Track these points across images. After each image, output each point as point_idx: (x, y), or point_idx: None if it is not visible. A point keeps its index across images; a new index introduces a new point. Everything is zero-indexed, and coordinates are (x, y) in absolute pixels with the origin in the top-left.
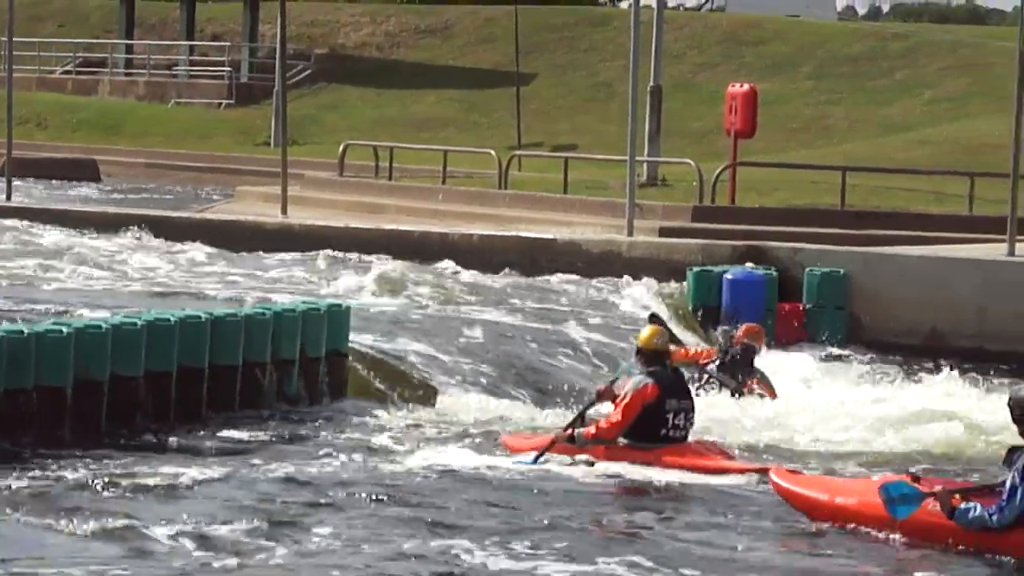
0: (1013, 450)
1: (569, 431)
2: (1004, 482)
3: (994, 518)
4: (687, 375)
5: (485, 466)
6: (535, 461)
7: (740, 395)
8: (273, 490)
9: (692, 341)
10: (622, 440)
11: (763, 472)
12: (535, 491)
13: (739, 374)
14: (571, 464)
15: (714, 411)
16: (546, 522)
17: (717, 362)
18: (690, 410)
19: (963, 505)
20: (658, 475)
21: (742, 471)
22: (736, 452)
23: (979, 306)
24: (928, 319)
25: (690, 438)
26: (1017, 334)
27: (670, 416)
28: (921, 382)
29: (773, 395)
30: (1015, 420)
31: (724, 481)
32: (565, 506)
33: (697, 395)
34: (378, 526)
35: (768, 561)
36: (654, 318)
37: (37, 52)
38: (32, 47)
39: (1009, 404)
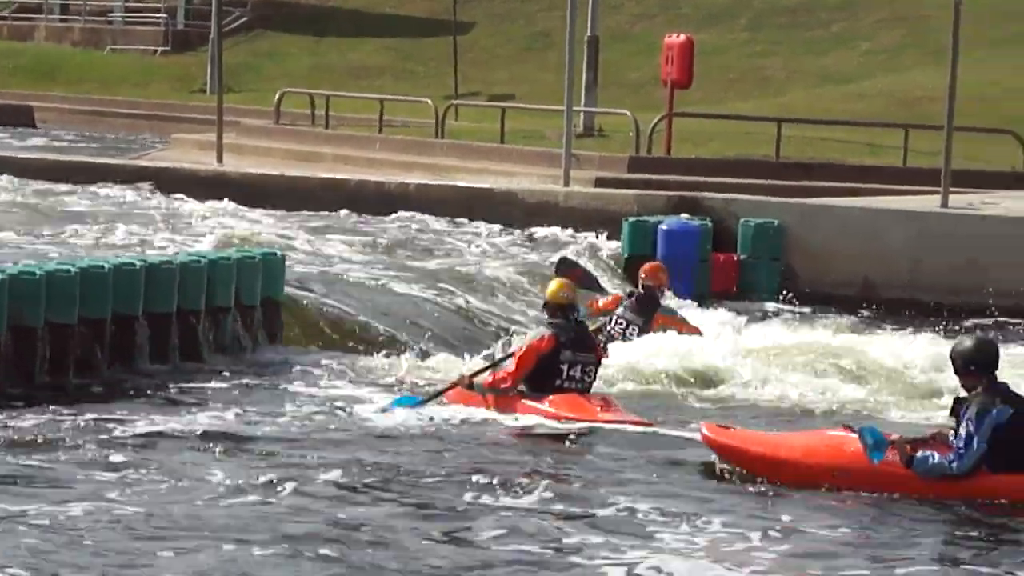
0: (958, 401)
1: (470, 379)
2: (955, 431)
3: (954, 465)
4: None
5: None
6: (421, 402)
7: (646, 333)
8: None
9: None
10: (521, 388)
11: (644, 425)
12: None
13: (644, 313)
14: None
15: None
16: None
17: (623, 306)
18: (590, 363)
19: (920, 453)
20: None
21: (624, 423)
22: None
23: (912, 257)
24: (862, 270)
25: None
26: (949, 285)
27: (564, 367)
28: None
29: (683, 328)
30: (957, 372)
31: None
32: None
33: (614, 340)
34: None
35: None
36: (564, 263)
37: None
38: None
39: (951, 356)
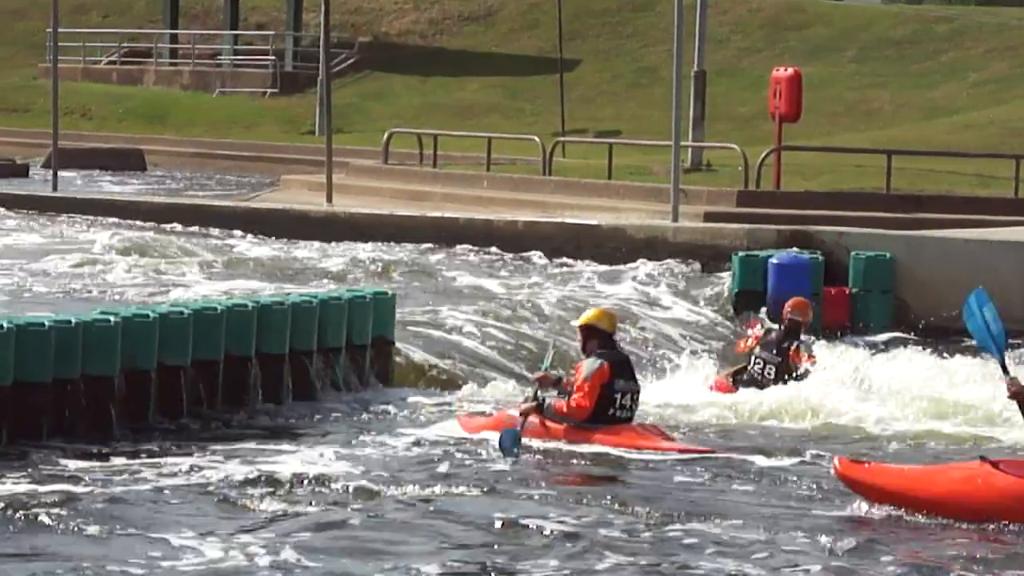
0: None
1: (535, 404)
2: None
3: None
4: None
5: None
6: (516, 441)
7: (785, 372)
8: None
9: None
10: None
11: (706, 454)
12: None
13: (783, 347)
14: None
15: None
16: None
17: (760, 345)
18: (636, 391)
19: None
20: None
21: (684, 451)
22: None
23: None
24: None
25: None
26: None
27: (618, 396)
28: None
29: (812, 360)
30: None
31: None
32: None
33: (754, 382)
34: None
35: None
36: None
37: (82, 43)
38: (77, 38)
39: None
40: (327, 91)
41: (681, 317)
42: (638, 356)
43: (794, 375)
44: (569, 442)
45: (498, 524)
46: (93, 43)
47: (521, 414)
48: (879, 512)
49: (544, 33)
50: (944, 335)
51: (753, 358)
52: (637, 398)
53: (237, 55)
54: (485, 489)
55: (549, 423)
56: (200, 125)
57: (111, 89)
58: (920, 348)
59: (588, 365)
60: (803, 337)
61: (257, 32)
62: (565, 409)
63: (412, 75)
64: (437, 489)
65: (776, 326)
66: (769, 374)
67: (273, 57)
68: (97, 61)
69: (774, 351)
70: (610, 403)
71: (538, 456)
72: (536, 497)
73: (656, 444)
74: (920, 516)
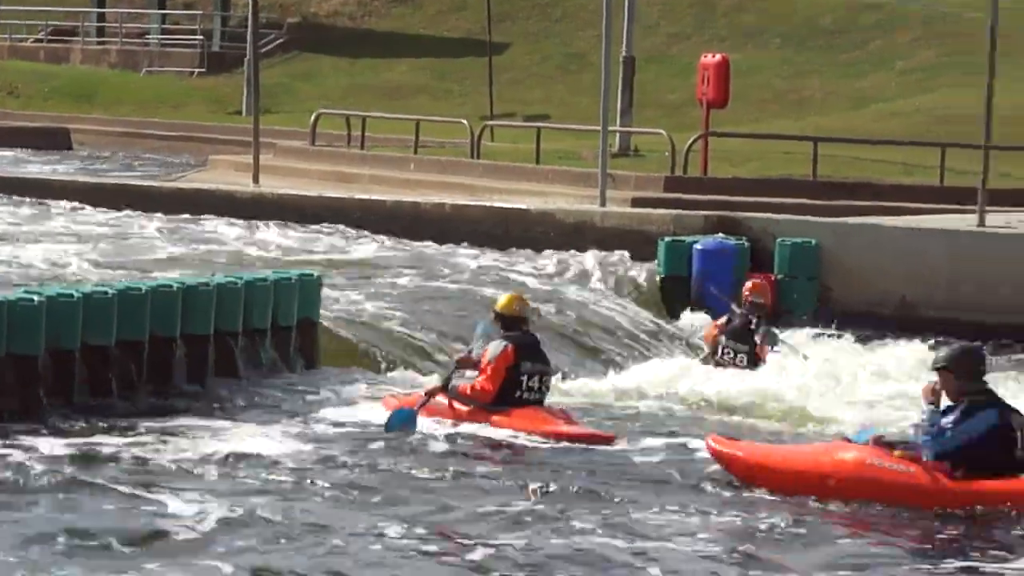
0: (949, 408)
1: (444, 382)
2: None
3: (927, 443)
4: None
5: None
6: (410, 420)
7: (757, 357)
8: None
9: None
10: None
11: (608, 440)
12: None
13: (750, 332)
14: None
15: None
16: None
17: (724, 334)
18: (546, 373)
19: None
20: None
21: (589, 437)
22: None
23: (949, 276)
24: (899, 289)
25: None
26: (986, 304)
27: (524, 379)
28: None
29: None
30: (951, 375)
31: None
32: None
33: (720, 365)
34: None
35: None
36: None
37: (8, 21)
38: (3, 15)
39: (943, 361)
40: (255, 71)
41: (607, 303)
42: (566, 342)
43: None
44: (473, 423)
45: (401, 506)
46: (19, 21)
47: (426, 394)
48: (768, 498)
49: (473, 15)
50: (868, 322)
51: (721, 348)
52: (547, 380)
53: (165, 34)
54: (401, 471)
55: (456, 404)
56: (128, 104)
57: (38, 67)
58: (845, 336)
59: (493, 348)
60: (767, 328)
61: (185, 12)
62: (469, 391)
63: (340, 56)
64: (357, 471)
65: (737, 311)
66: (741, 362)
67: (201, 37)
68: (24, 39)
69: (741, 338)
70: (516, 385)
71: (440, 437)
72: (438, 477)
73: (558, 428)
74: (773, 490)
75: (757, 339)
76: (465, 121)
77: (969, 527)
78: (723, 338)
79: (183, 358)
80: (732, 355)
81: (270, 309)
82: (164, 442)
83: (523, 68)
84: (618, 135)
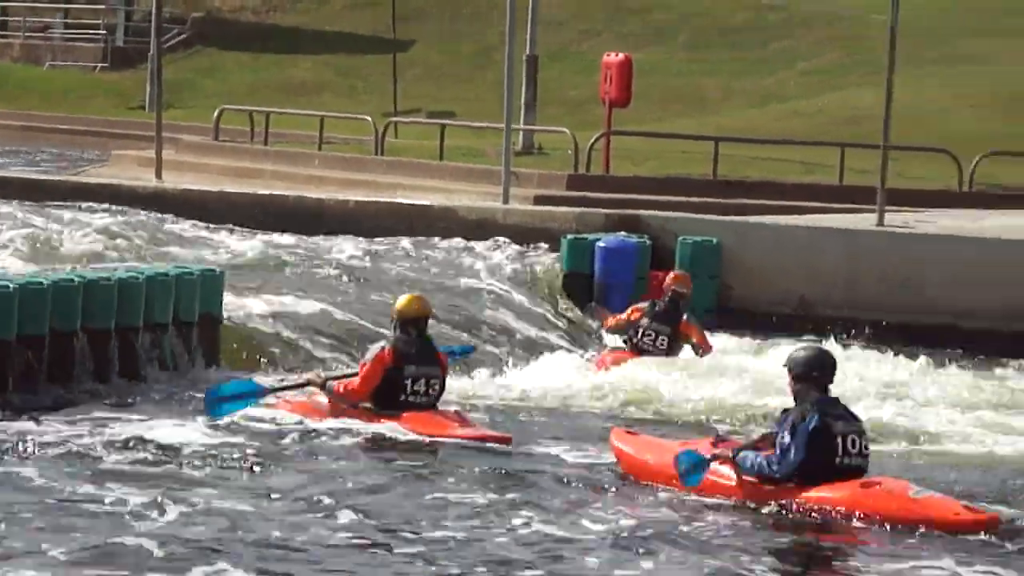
0: (786, 411)
1: (323, 379)
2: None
3: (774, 467)
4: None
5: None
6: (251, 398)
7: (677, 342)
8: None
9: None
10: (365, 404)
11: (504, 441)
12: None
13: (671, 322)
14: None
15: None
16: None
17: (647, 317)
18: (434, 376)
19: (743, 453)
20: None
21: (484, 438)
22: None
23: (848, 275)
24: (799, 288)
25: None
26: (884, 303)
27: (408, 382)
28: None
29: (701, 341)
30: (794, 379)
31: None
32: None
33: (645, 352)
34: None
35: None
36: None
37: None
38: None
39: (789, 364)
40: (158, 66)
41: (511, 299)
42: (472, 341)
43: (687, 345)
44: (364, 424)
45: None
46: None
47: (307, 383)
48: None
49: (378, 12)
50: (768, 322)
51: (642, 331)
52: (436, 384)
53: (68, 29)
54: (294, 468)
55: (339, 404)
56: (30, 98)
57: None
58: (743, 334)
59: (372, 349)
60: (691, 314)
61: (88, 6)
62: (342, 390)
63: (244, 52)
64: (246, 471)
65: (658, 301)
66: (661, 345)
67: (104, 32)
68: None
69: (665, 320)
70: (400, 389)
71: (320, 437)
72: (319, 474)
73: (452, 431)
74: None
75: (681, 325)
76: (369, 118)
77: (785, 534)
78: (646, 320)
79: (84, 353)
80: (653, 337)
81: (171, 304)
82: (65, 434)
83: (428, 65)
84: (522, 133)
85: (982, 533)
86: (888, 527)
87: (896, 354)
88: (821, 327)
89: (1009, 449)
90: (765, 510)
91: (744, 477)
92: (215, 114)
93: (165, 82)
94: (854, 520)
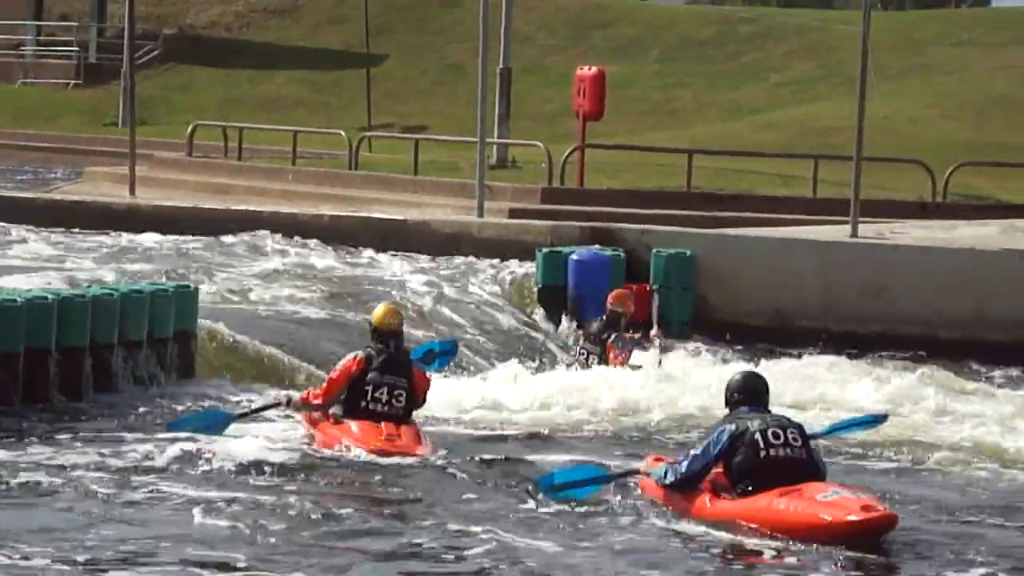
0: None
1: (287, 397)
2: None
3: (668, 476)
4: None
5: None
6: (228, 419)
7: (605, 363)
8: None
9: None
10: (334, 410)
11: (422, 454)
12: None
13: (603, 339)
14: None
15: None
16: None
17: (582, 336)
18: (398, 387)
19: (661, 465)
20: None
21: (401, 452)
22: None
23: (823, 287)
24: (774, 300)
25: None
26: (859, 314)
27: (369, 388)
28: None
29: (620, 362)
30: (726, 403)
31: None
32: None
33: (581, 365)
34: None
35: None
36: None
37: None
38: None
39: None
40: (131, 83)
41: (485, 316)
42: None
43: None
44: (315, 431)
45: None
46: None
47: (275, 402)
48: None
49: (351, 28)
50: (743, 333)
51: (578, 349)
52: (401, 394)
53: (40, 46)
54: (262, 483)
55: (307, 413)
56: (2, 116)
57: None
58: (720, 347)
59: (346, 356)
60: (618, 335)
61: (61, 23)
62: (308, 395)
63: (217, 68)
64: (210, 487)
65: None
66: (592, 363)
67: (77, 48)
68: None
69: (595, 341)
70: (362, 395)
71: (292, 446)
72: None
73: (375, 444)
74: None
75: (608, 344)
76: (343, 132)
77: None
78: (582, 339)
79: (58, 370)
80: (585, 356)
81: (146, 321)
82: (39, 453)
83: (401, 80)
84: (495, 147)
85: (879, 532)
86: (786, 535)
87: (871, 363)
88: (796, 338)
89: (987, 462)
90: (685, 521)
91: (665, 487)
92: (188, 130)
93: (138, 98)
94: (752, 527)
